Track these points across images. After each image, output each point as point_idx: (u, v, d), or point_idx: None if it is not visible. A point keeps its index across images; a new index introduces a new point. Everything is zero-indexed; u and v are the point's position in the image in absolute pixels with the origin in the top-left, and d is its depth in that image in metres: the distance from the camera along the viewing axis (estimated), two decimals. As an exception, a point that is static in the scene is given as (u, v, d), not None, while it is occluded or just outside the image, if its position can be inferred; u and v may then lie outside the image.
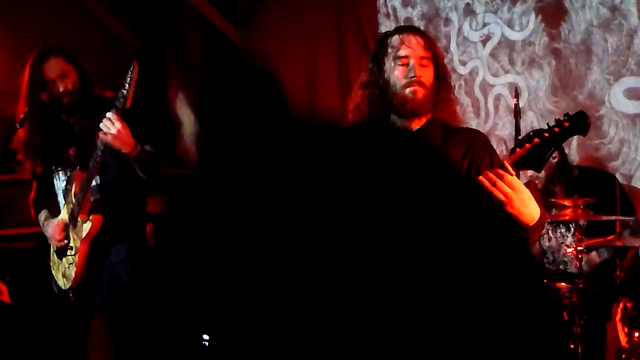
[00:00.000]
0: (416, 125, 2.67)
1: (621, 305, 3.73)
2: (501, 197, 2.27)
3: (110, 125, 3.43)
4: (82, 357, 3.83)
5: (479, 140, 2.67)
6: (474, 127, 5.17)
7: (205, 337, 5.50)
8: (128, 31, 7.59)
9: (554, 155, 4.22)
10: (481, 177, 2.30)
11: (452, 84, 2.85)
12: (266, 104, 1.59)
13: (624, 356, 3.68)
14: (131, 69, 3.47)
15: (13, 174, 5.87)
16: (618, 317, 3.72)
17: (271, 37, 6.79)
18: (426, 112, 2.66)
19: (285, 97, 1.70)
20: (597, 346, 3.83)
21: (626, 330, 3.66)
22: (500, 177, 2.27)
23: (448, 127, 2.67)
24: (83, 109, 3.71)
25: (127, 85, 3.44)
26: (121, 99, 3.45)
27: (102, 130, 3.45)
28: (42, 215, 3.87)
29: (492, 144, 4.95)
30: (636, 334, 3.60)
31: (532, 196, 2.36)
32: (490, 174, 2.29)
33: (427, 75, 2.63)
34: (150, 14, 7.70)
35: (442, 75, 2.69)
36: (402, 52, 2.63)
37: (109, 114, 3.44)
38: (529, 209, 2.35)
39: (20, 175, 5.34)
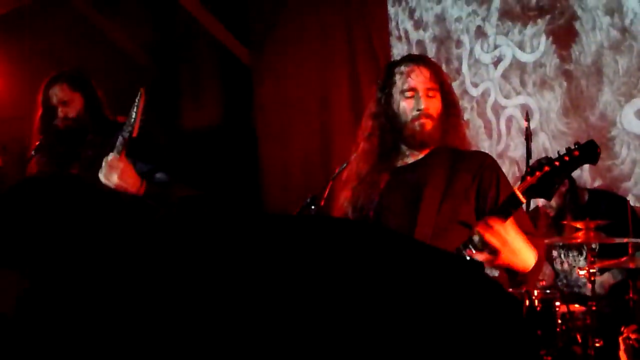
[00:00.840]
0: (425, 152, 2.70)
1: (624, 335, 3.72)
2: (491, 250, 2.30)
3: (111, 170, 3.35)
4: None
5: (487, 165, 2.67)
6: (486, 149, 5.22)
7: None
8: (142, 53, 7.66)
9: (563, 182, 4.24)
10: (479, 228, 2.31)
11: (463, 107, 2.87)
12: None
13: None
14: (138, 97, 3.43)
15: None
16: (622, 348, 3.71)
17: (284, 59, 6.84)
18: (435, 141, 2.69)
19: None
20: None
21: None
22: (490, 228, 2.28)
23: (457, 152, 2.69)
24: (90, 136, 3.72)
25: (133, 114, 3.39)
26: (129, 128, 3.42)
27: (106, 159, 3.43)
28: None
29: (504, 165, 5.01)
30: None
31: (525, 243, 2.36)
32: (479, 229, 2.30)
33: (435, 105, 2.66)
34: (164, 36, 7.77)
35: (450, 102, 2.71)
36: (408, 85, 2.66)
37: (110, 157, 3.39)
38: (520, 258, 2.36)
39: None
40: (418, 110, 2.63)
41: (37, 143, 3.73)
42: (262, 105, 7.14)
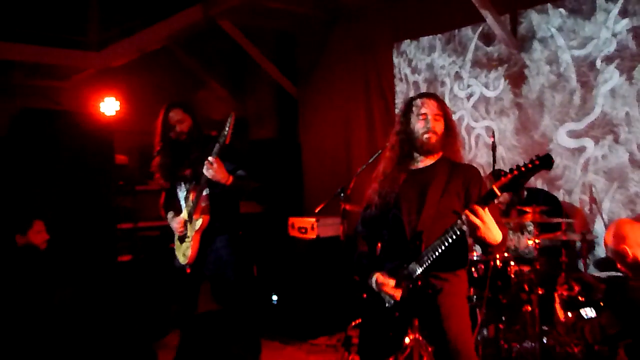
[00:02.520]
0: (431, 160, 2.74)
1: (558, 292, 3.73)
2: (474, 227, 2.35)
3: (210, 167, 3.50)
4: (193, 306, 3.89)
5: (474, 174, 2.72)
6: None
7: (274, 297, 5.57)
8: (222, 89, 7.73)
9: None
10: (466, 212, 2.36)
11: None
12: None
13: (558, 327, 3.69)
14: (230, 116, 3.51)
15: (146, 185, 6.01)
16: (557, 302, 3.71)
17: (320, 94, 6.86)
18: (438, 151, 2.73)
19: None
20: (549, 308, 3.83)
21: (562, 311, 3.66)
22: (475, 212, 2.33)
23: (454, 163, 2.73)
24: (195, 144, 3.78)
25: (227, 128, 3.47)
26: (223, 137, 3.49)
27: (208, 159, 3.53)
28: (170, 214, 3.93)
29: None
30: (569, 314, 3.59)
31: (496, 225, 2.41)
32: (468, 211, 2.35)
33: (439, 126, 2.71)
34: (238, 76, 7.85)
35: (450, 126, 2.76)
36: (422, 111, 2.71)
37: (210, 158, 3.49)
38: (493, 234, 2.40)
39: (150, 187, 5.47)
40: (427, 128, 2.68)
41: (158, 147, 3.80)
42: (305, 126, 7.18)
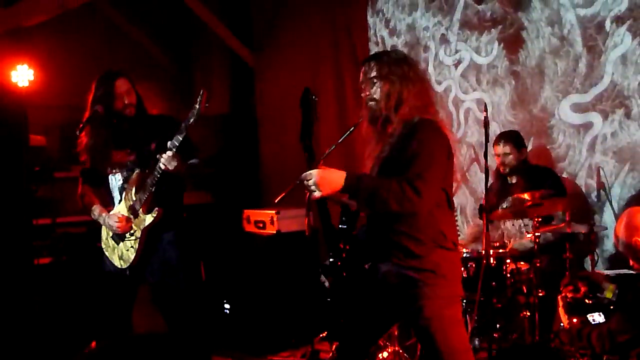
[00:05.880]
0: None
1: (562, 294, 3.75)
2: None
3: (172, 161, 3.44)
4: (127, 320, 3.80)
5: None
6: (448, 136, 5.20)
7: (227, 305, 5.50)
8: (162, 54, 7.56)
9: (520, 153, 4.28)
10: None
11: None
12: None
13: (561, 335, 3.71)
14: (200, 94, 3.43)
15: (68, 172, 5.87)
16: (560, 305, 3.74)
17: (280, 59, 6.79)
18: None
19: None
20: (549, 314, 3.85)
21: (566, 316, 3.69)
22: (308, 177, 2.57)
23: None
24: (140, 121, 3.72)
25: (197, 106, 3.40)
26: (192, 119, 3.41)
27: (170, 149, 3.46)
28: (96, 209, 3.82)
29: (462, 148, 5.01)
30: (574, 320, 3.62)
31: (330, 174, 2.57)
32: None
33: None
34: (182, 40, 7.68)
35: None
36: None
37: (169, 153, 3.44)
38: (333, 183, 2.56)
39: (74, 173, 5.31)
40: None
41: (87, 122, 3.65)
42: (263, 99, 7.10)
